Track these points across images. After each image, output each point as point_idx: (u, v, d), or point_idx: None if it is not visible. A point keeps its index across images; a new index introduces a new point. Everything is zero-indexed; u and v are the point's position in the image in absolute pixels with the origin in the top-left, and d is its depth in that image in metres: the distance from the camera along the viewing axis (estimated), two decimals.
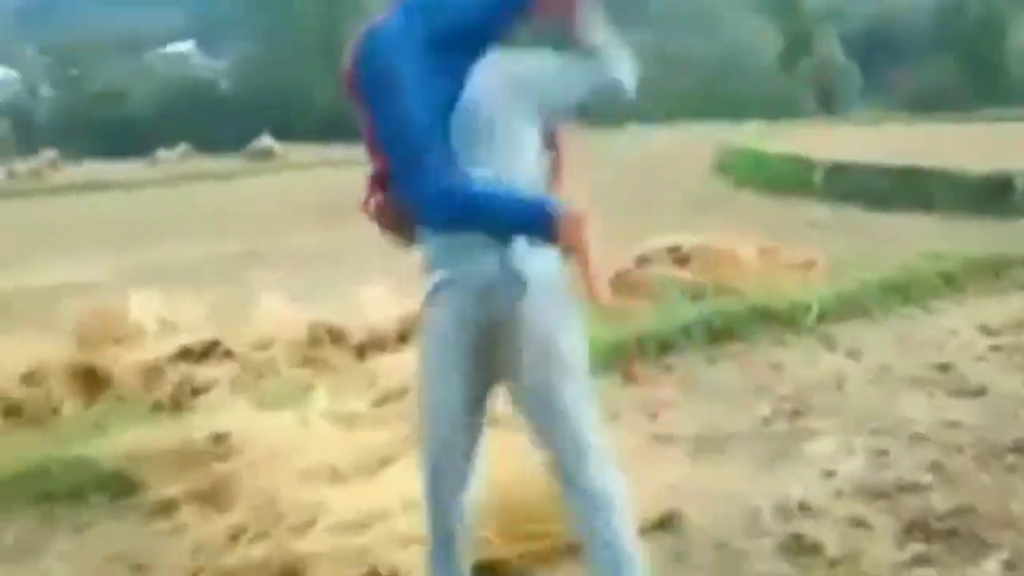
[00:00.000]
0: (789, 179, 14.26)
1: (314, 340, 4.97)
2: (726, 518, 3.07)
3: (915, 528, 2.88)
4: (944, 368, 4.35)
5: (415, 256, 2.05)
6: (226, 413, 3.72)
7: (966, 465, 3.31)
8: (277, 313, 5.91)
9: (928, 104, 28.93)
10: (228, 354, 4.64)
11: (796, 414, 3.96)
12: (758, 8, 40.95)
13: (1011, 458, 3.34)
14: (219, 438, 3.48)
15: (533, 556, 2.83)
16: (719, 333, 4.73)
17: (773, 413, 3.99)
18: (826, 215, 11.32)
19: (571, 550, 2.73)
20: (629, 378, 4.19)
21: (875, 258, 6.13)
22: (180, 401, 4.12)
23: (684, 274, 5.21)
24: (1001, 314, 5.10)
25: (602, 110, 2.15)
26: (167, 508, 3.28)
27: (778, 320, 4.90)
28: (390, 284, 5.18)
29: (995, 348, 4.60)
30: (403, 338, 4.66)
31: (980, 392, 4.03)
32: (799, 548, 2.85)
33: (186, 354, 4.63)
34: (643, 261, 5.49)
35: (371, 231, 2.08)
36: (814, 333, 4.93)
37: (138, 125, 23.21)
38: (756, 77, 37.23)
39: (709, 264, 5.23)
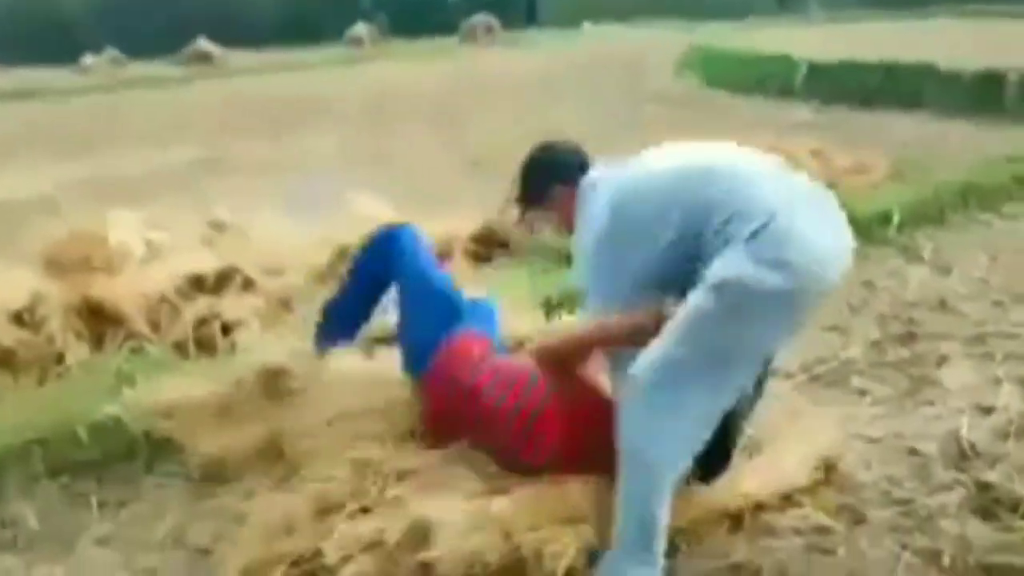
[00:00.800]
0: (766, 79, 13.79)
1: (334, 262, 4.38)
2: (891, 466, 2.67)
3: None
4: None
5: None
6: (270, 354, 3.14)
7: None
8: (278, 231, 5.32)
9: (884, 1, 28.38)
10: (248, 283, 4.02)
11: (910, 337, 3.57)
12: None
13: None
14: (273, 379, 2.93)
15: None
16: None
17: (884, 337, 3.59)
18: (810, 115, 10.94)
19: None
20: None
21: (924, 161, 5.71)
22: (210, 341, 3.52)
23: None
24: None
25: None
26: (222, 474, 2.75)
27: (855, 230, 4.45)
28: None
29: None
30: None
31: None
32: (992, 502, 2.48)
33: (197, 283, 4.00)
34: None
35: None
36: (893, 244, 4.53)
37: (70, 29, 21.50)
38: None
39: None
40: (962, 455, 2.71)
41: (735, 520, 2.39)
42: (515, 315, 3.23)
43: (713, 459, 2.27)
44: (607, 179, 2.31)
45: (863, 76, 12.55)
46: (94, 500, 2.69)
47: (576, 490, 2.31)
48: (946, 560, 2.24)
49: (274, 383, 2.93)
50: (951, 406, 3.00)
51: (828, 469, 2.62)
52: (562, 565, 2.12)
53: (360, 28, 24.92)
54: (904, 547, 2.30)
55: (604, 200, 2.21)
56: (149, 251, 4.64)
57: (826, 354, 3.43)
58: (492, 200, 7.52)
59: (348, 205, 5.67)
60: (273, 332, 3.64)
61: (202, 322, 3.61)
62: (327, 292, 3.56)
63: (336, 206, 5.54)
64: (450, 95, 14.83)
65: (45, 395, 3.10)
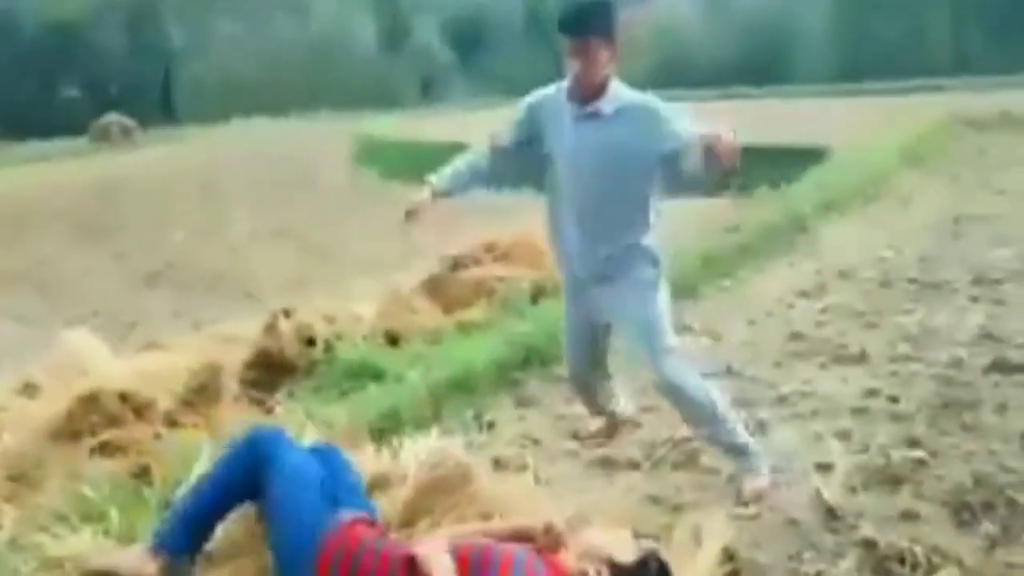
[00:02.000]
0: (443, 166, 14.36)
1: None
2: (780, 543, 2.71)
3: None
4: None
5: None
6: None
7: None
8: None
9: (525, 89, 31.02)
10: None
11: None
12: None
13: None
14: None
15: None
16: None
17: None
18: (500, 201, 11.52)
19: None
20: None
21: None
22: None
23: (521, 271, 4.71)
24: None
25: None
26: None
27: None
28: None
29: None
30: None
31: None
32: (881, 560, 2.59)
33: None
34: (459, 264, 4.90)
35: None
36: None
37: None
38: (355, 65, 37.17)
39: (539, 258, 4.78)
40: (832, 516, 2.83)
41: None
42: (357, 454, 2.85)
43: None
44: None
45: (542, 167, 13.53)
46: None
47: None
48: None
49: None
50: (796, 468, 3.14)
51: (730, 559, 2.60)
52: None
53: None
54: None
55: None
56: None
57: (655, 437, 3.46)
58: (188, 317, 6.85)
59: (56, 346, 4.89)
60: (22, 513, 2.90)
61: None
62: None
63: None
64: (100, 202, 13.68)
65: None
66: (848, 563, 2.60)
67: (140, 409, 3.44)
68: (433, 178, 3.07)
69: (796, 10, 32.52)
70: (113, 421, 3.38)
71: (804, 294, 5.21)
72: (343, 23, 39.15)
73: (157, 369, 4.08)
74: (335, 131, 22.84)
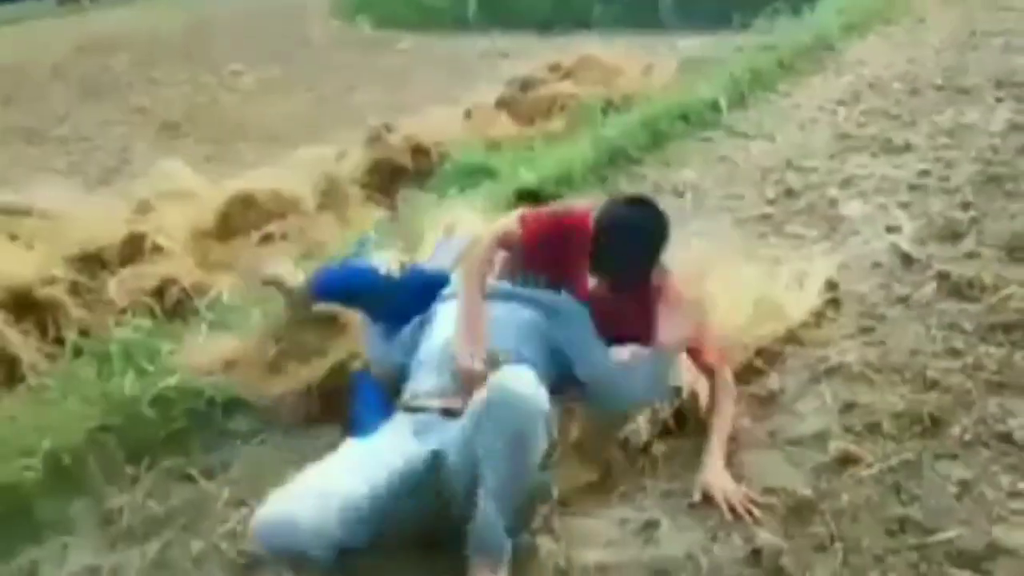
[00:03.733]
0: (440, 13, 14.43)
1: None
2: (863, 281, 3.34)
3: None
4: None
5: None
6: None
7: None
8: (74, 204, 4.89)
9: None
10: (157, 248, 3.69)
11: (794, 192, 4.33)
12: None
13: None
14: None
15: None
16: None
17: (779, 193, 4.32)
18: (502, 43, 11.81)
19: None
20: None
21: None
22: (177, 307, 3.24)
23: (590, 88, 5.18)
24: None
25: None
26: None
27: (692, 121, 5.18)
28: None
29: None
30: None
31: None
32: (957, 284, 3.24)
33: (96, 259, 3.60)
34: (528, 84, 5.34)
35: None
36: (721, 126, 5.32)
37: None
38: None
39: (604, 76, 5.24)
40: (908, 260, 3.47)
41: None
42: None
43: None
44: None
45: (534, 4, 13.66)
46: (194, 472, 2.50)
47: None
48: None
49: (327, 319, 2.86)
50: (867, 233, 3.75)
51: (832, 287, 3.23)
52: None
53: None
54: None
55: None
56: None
57: (746, 211, 4.06)
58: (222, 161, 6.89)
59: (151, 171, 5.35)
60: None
61: (157, 290, 3.30)
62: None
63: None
64: (97, 60, 13.66)
65: (57, 392, 2.72)
66: (927, 289, 3.24)
67: (292, 204, 3.94)
68: None
69: None
70: (270, 217, 3.89)
71: (842, 102, 5.74)
72: None
73: (271, 184, 4.55)
74: None
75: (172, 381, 2.64)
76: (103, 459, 2.46)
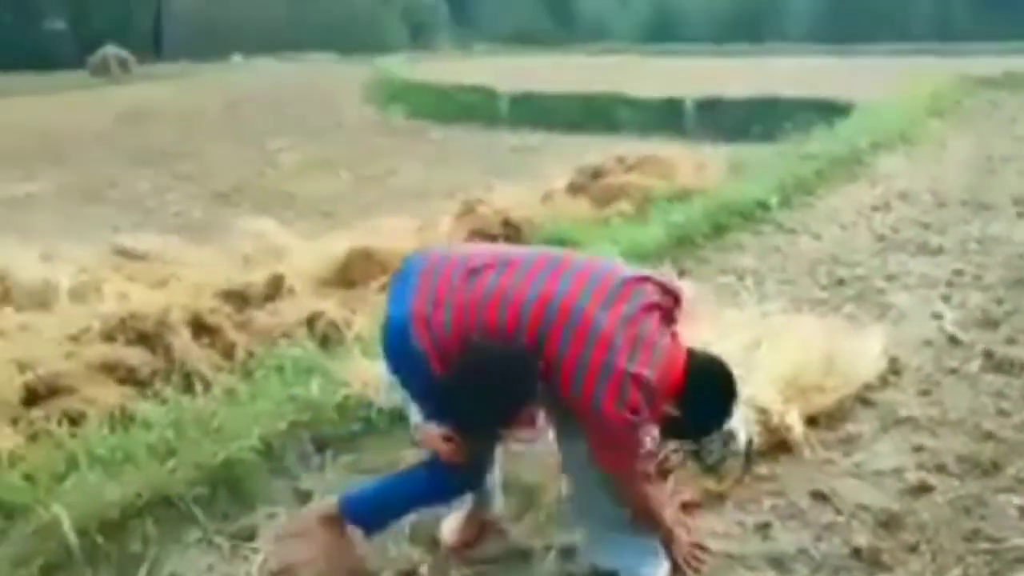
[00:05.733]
0: (470, 109, 15.33)
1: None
2: (918, 354, 3.91)
3: None
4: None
5: None
6: None
7: None
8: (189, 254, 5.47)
9: (517, 38, 32.18)
10: (291, 291, 4.25)
11: (843, 281, 4.94)
12: None
13: None
14: None
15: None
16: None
17: (829, 282, 4.92)
18: (532, 140, 12.67)
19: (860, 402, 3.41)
20: None
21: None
22: (331, 336, 3.77)
23: (654, 180, 5.85)
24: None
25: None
26: None
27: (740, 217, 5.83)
28: None
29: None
30: None
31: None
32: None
33: (239, 296, 4.15)
34: (598, 173, 6.01)
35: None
36: (771, 222, 5.97)
37: None
38: (342, 8, 37.69)
39: (664, 171, 5.93)
40: (954, 341, 4.04)
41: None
42: None
43: None
44: None
45: (563, 105, 14.62)
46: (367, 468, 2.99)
47: None
48: None
49: None
50: (914, 318, 4.34)
51: (892, 360, 3.79)
52: None
53: None
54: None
55: None
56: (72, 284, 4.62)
57: (803, 295, 4.65)
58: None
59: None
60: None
61: (310, 321, 3.83)
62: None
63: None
64: (138, 130, 14.34)
65: (246, 396, 3.22)
66: (974, 364, 3.81)
67: None
68: None
69: None
70: (386, 269, 4.45)
71: (876, 208, 6.44)
72: None
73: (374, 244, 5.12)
74: (340, 71, 23.67)
75: (346, 391, 3.16)
76: (297, 448, 2.97)
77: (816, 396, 3.31)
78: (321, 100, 18.15)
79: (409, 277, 2.26)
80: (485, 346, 2.14)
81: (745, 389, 3.15)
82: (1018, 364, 3.77)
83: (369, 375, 3.31)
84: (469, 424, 2.22)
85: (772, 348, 3.48)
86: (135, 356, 3.55)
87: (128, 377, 3.50)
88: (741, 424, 2.90)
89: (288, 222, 7.69)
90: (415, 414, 2.36)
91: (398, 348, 2.21)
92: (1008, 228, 5.86)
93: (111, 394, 3.34)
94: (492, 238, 5.04)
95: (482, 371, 2.14)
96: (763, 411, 3.05)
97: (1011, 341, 4.03)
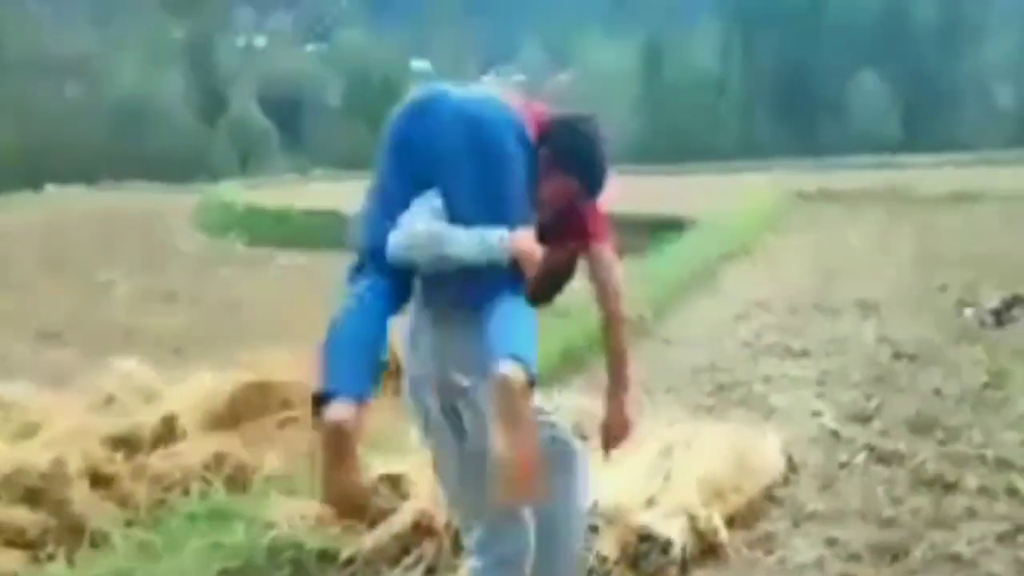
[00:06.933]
0: (319, 233, 15.33)
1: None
2: (806, 449, 4.24)
3: None
4: None
5: None
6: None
7: None
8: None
9: (354, 162, 32.52)
10: (183, 434, 4.12)
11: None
12: (159, 59, 40.11)
13: None
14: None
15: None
16: None
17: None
18: None
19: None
20: None
21: None
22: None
23: None
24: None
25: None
26: None
27: None
28: None
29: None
30: None
31: None
32: (888, 455, 4.18)
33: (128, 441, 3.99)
34: None
35: None
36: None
37: None
38: (167, 135, 36.96)
39: None
40: (836, 436, 4.40)
41: None
42: None
43: None
44: None
45: None
46: None
47: None
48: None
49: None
50: (798, 418, 4.70)
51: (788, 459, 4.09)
52: None
53: None
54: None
55: None
56: None
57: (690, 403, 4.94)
58: None
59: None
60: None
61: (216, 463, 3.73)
62: None
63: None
64: None
65: (163, 547, 3.10)
66: (860, 458, 4.15)
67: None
68: None
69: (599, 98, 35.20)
70: (285, 404, 4.40)
71: (739, 317, 6.94)
72: (145, 88, 38.55)
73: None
74: (167, 199, 23.12)
75: (274, 533, 3.10)
76: None
77: (732, 497, 3.53)
78: (149, 228, 17.68)
79: None
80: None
81: (671, 495, 3.38)
82: (898, 455, 4.15)
83: (294, 513, 3.28)
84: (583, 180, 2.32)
85: (683, 454, 3.70)
86: (21, 516, 3.36)
87: (16, 539, 3.30)
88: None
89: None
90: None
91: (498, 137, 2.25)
92: (856, 329, 6.46)
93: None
94: None
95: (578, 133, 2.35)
96: (692, 516, 3.22)
97: (884, 434, 4.42)
